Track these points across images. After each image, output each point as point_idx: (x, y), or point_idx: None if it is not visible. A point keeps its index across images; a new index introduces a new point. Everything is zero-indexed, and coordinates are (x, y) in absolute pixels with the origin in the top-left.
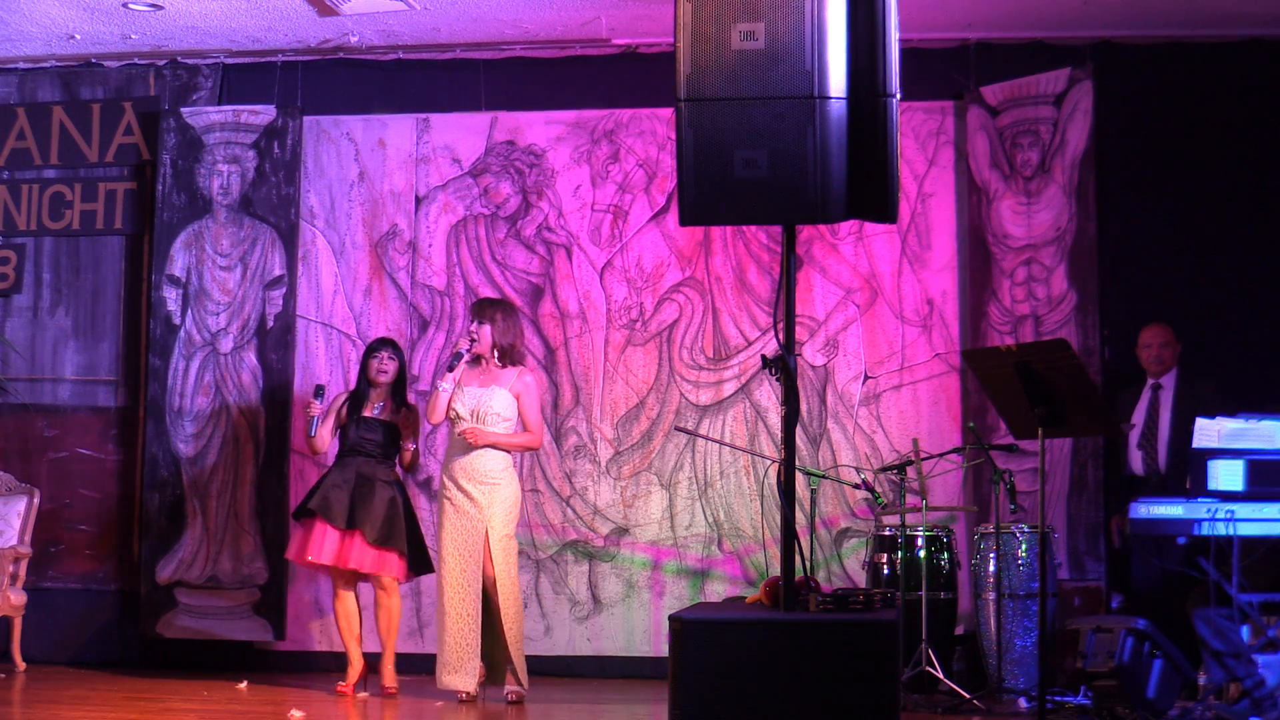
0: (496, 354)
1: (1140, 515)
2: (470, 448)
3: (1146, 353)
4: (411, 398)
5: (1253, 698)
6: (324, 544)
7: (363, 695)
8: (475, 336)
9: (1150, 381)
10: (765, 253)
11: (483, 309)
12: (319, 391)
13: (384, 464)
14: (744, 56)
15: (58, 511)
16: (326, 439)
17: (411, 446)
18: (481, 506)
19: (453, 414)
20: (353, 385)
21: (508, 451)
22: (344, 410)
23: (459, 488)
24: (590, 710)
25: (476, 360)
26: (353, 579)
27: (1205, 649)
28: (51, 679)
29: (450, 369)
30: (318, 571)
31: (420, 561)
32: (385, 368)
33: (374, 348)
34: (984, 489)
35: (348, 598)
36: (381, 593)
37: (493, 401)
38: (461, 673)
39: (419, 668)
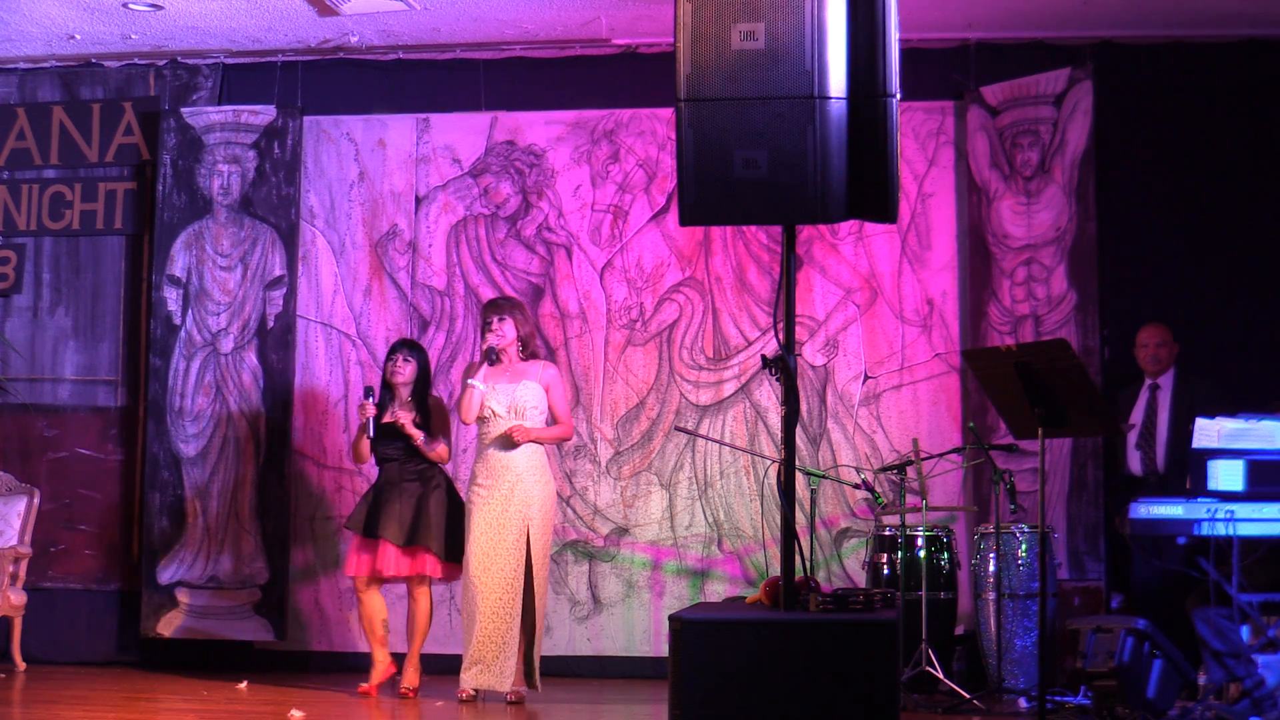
0: (520, 348)
1: (1140, 515)
2: (509, 444)
3: (1143, 352)
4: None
5: (1253, 698)
6: (358, 557)
7: (366, 690)
8: (500, 334)
9: (1148, 382)
10: (765, 253)
11: (500, 306)
12: (369, 392)
13: (409, 463)
14: (744, 56)
15: (58, 511)
16: (367, 450)
17: (420, 442)
18: (523, 503)
19: (487, 413)
20: (357, 388)
21: (544, 445)
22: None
23: (498, 485)
24: (590, 710)
25: (497, 358)
26: (378, 581)
27: (1205, 649)
28: (51, 679)
29: (490, 363)
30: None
31: (455, 551)
32: (400, 369)
33: (391, 350)
34: (984, 489)
35: (369, 599)
36: (410, 599)
37: (527, 396)
38: (497, 673)
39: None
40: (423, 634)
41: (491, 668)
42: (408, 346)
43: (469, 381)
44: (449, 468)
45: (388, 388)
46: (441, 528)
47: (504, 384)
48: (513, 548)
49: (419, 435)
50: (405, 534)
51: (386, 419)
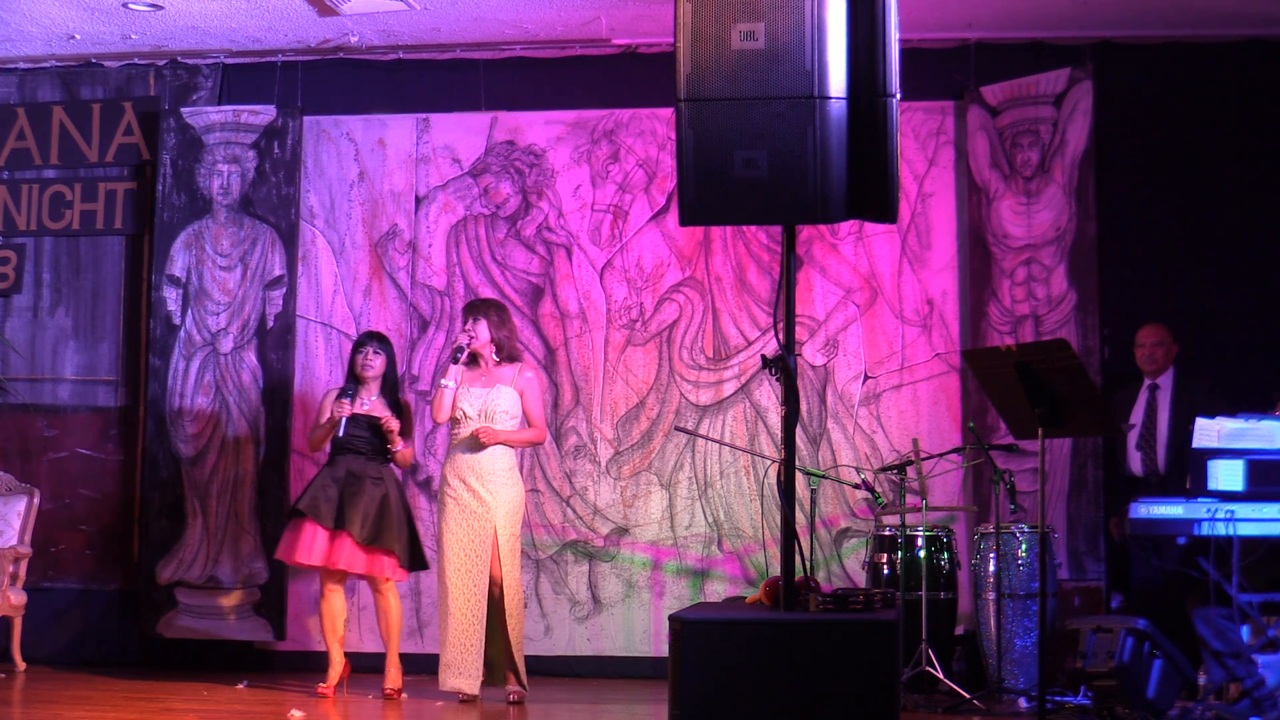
0: (495, 350)
1: (1140, 515)
2: (477, 446)
3: (1140, 352)
4: (411, 397)
5: (1253, 698)
6: (313, 545)
7: (373, 697)
8: (473, 334)
9: (1147, 382)
10: (765, 253)
11: (475, 307)
12: (346, 391)
13: (374, 461)
14: (744, 56)
15: (58, 511)
16: (326, 442)
17: (399, 447)
18: (489, 506)
19: (459, 414)
20: (340, 382)
21: (514, 448)
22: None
23: (465, 486)
24: (590, 710)
25: (474, 360)
26: (341, 578)
27: (1205, 649)
28: (51, 679)
29: (454, 361)
30: (308, 570)
31: (416, 558)
32: (371, 362)
33: (360, 342)
34: (984, 489)
35: (334, 597)
36: (377, 594)
37: (499, 400)
38: (465, 674)
39: (418, 667)
40: (398, 631)
41: (461, 670)
42: (376, 339)
43: (441, 381)
44: (434, 468)
45: (355, 380)
46: (404, 531)
47: (478, 388)
48: (478, 549)
49: (396, 427)
50: (368, 532)
51: (360, 410)
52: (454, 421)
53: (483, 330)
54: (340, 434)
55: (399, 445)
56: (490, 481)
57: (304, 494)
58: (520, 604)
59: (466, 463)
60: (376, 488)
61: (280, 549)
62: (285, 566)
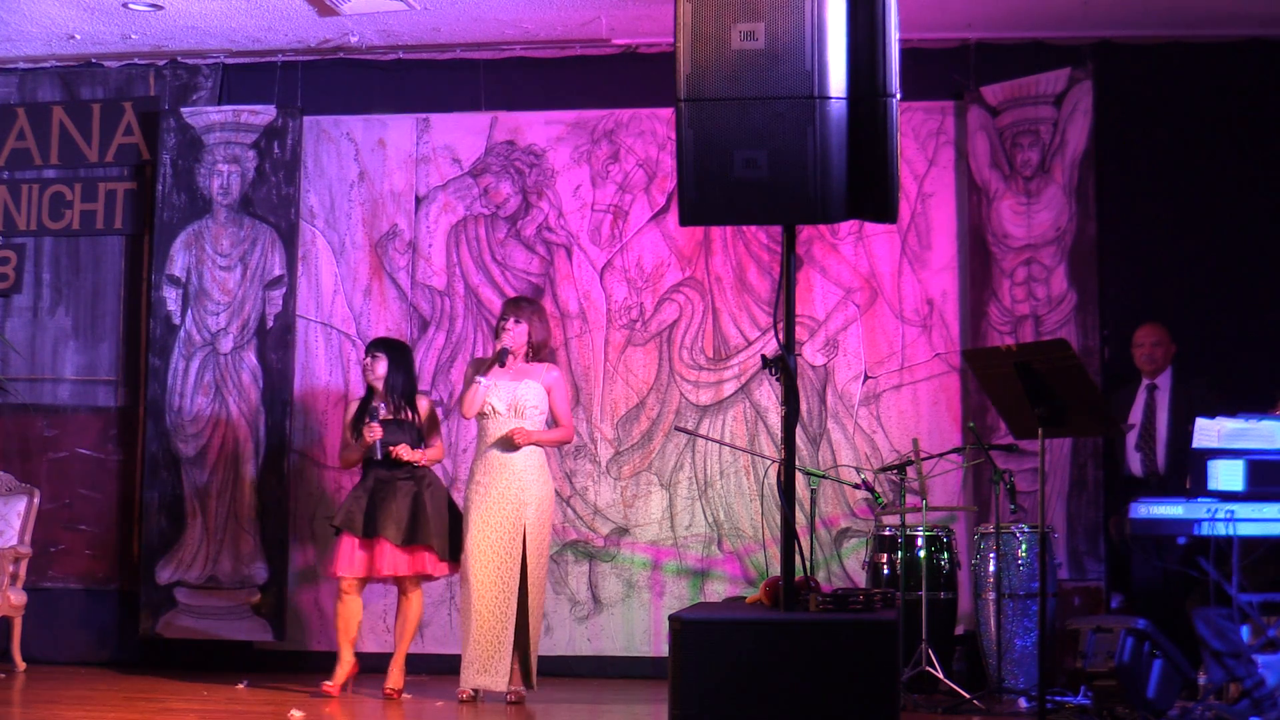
0: (531, 352)
1: (1140, 515)
2: (510, 446)
3: (1139, 351)
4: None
5: (1253, 698)
6: (352, 556)
7: (374, 696)
8: (514, 333)
9: (1146, 382)
10: (765, 253)
11: (521, 308)
12: (374, 413)
13: (400, 463)
14: (744, 56)
15: (58, 511)
16: (358, 460)
17: (421, 461)
18: (519, 504)
19: (488, 409)
20: (357, 388)
21: (543, 448)
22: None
23: (496, 484)
24: (590, 710)
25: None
26: (362, 583)
27: (1205, 649)
28: (51, 679)
29: (500, 364)
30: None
31: (456, 550)
32: (370, 368)
33: (365, 351)
34: (984, 489)
35: (351, 600)
36: (403, 595)
37: (528, 395)
38: (491, 672)
39: (416, 668)
40: (411, 635)
41: (488, 667)
42: (374, 345)
43: (476, 378)
44: (448, 464)
45: (370, 391)
46: (441, 525)
47: (506, 381)
48: (508, 547)
49: (406, 456)
50: (404, 533)
51: (384, 417)
52: (481, 416)
53: (522, 333)
54: (379, 456)
55: (421, 460)
56: (522, 479)
57: (339, 510)
58: (542, 604)
59: (499, 461)
60: (407, 487)
61: (324, 566)
62: (285, 567)
